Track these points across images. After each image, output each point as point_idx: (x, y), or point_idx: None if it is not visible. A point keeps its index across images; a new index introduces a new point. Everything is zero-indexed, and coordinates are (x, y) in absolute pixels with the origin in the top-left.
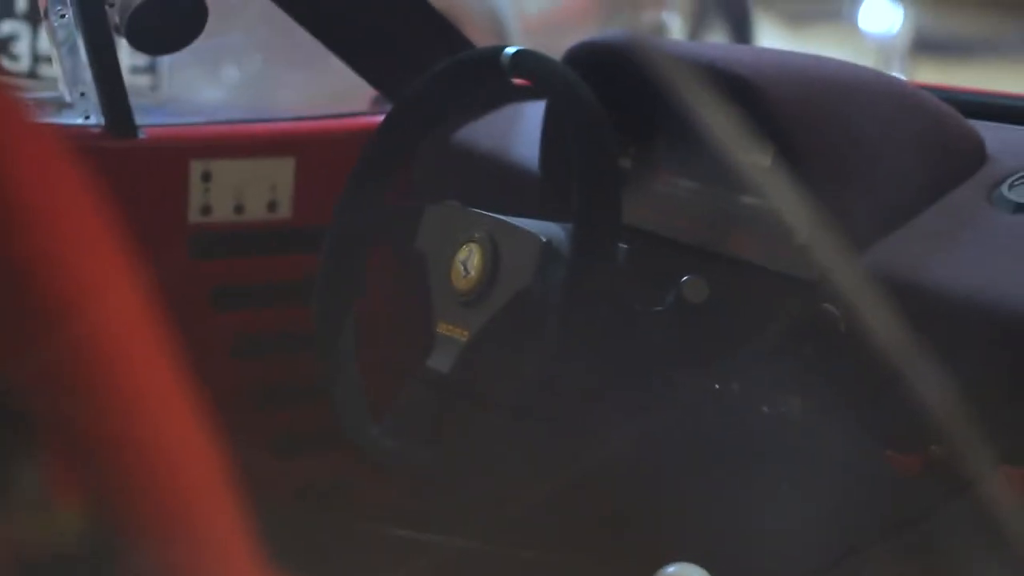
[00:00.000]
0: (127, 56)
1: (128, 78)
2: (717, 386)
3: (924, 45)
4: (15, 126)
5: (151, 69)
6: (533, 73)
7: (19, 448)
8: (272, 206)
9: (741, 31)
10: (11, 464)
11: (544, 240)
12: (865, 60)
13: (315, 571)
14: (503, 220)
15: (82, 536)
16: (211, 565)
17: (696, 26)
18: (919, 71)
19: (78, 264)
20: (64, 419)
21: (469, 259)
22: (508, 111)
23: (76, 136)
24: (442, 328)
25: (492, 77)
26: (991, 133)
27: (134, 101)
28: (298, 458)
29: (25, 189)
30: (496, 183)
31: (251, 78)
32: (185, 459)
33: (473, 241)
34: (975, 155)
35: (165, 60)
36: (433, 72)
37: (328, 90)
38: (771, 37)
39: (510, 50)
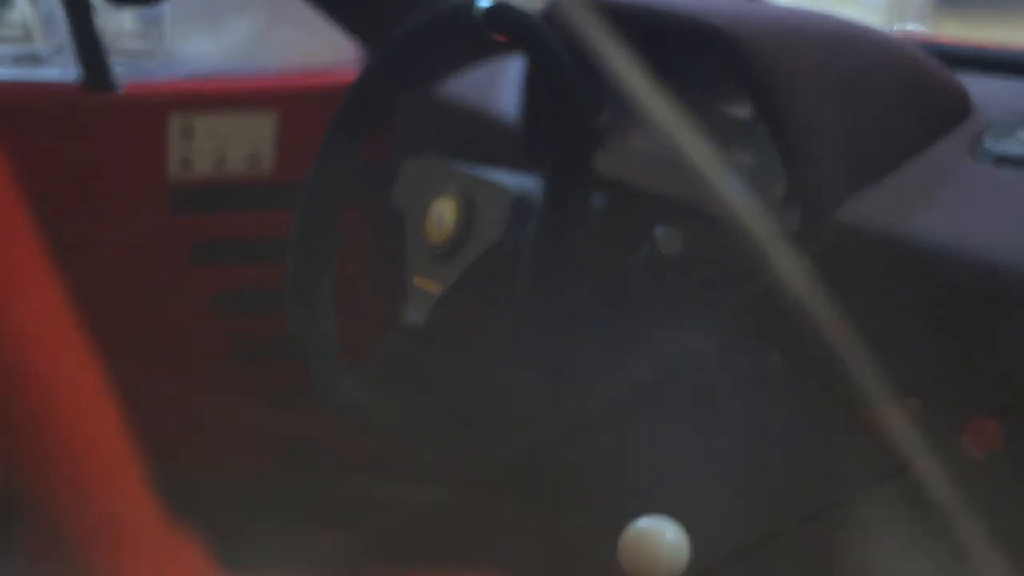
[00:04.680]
0: (127, 19)
1: (128, 41)
2: (692, 340)
3: None
4: None
5: (150, 27)
6: (506, 27)
7: None
8: (253, 161)
9: None
10: None
11: (516, 194)
12: (877, 15)
13: (296, 524)
14: (477, 174)
15: None
16: (114, 530)
17: None
18: (943, 26)
19: None
20: None
21: (444, 212)
22: (493, 65)
23: (52, 91)
24: (417, 281)
25: (468, 31)
26: (976, 84)
27: (134, 63)
28: (279, 412)
29: None
30: (480, 137)
31: (254, 36)
32: (88, 422)
33: (448, 195)
34: (959, 107)
35: (167, 18)
36: (407, 27)
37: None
38: None
39: (484, 3)
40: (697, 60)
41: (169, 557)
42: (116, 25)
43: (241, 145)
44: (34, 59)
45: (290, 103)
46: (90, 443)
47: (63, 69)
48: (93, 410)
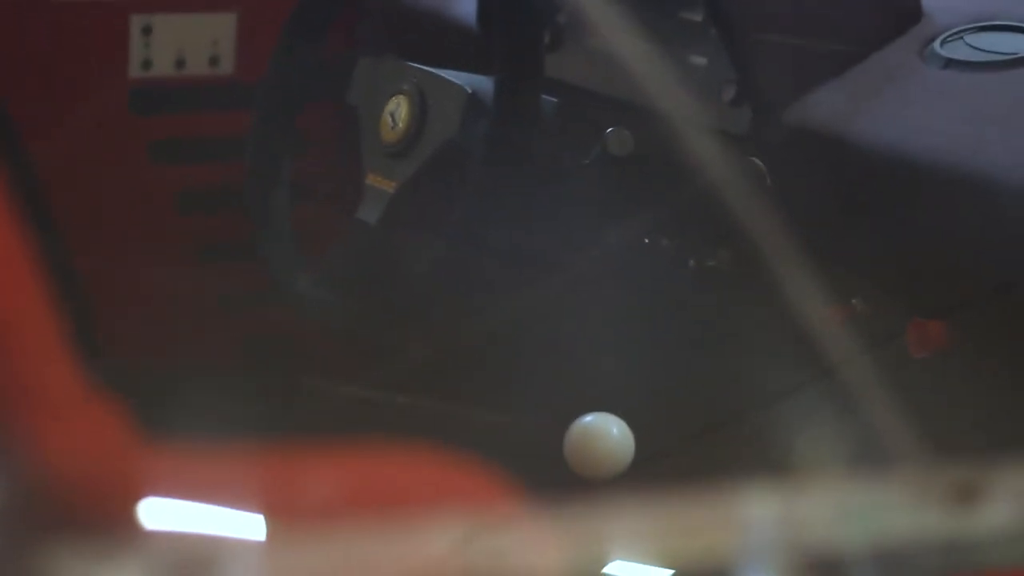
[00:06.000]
0: None
1: None
2: (647, 240)
3: None
4: None
5: None
6: None
7: None
8: (214, 61)
9: None
10: None
11: (469, 91)
12: None
13: (264, 427)
14: (431, 72)
15: None
16: (34, 395)
17: None
18: None
19: None
20: None
21: (397, 111)
22: None
23: None
24: (371, 180)
25: None
26: None
27: None
28: (242, 314)
29: None
30: (436, 37)
31: None
32: (9, 289)
33: (401, 93)
34: (910, 12)
35: None
36: None
37: None
38: None
39: None
40: None
41: (91, 427)
42: None
43: (202, 45)
44: None
45: (251, 2)
46: (10, 308)
47: None
48: (15, 278)
